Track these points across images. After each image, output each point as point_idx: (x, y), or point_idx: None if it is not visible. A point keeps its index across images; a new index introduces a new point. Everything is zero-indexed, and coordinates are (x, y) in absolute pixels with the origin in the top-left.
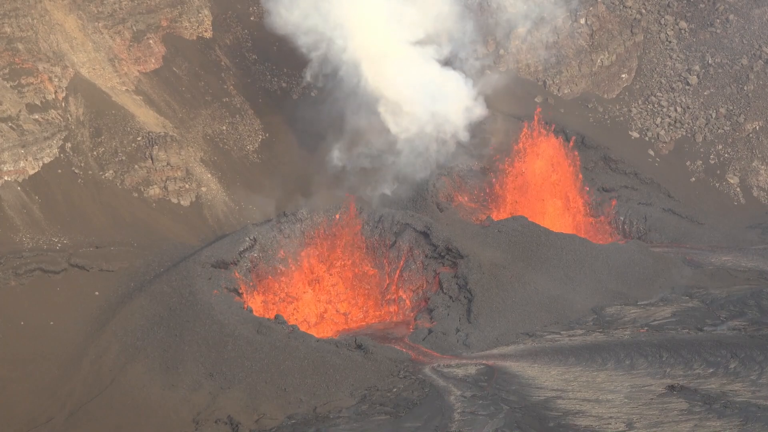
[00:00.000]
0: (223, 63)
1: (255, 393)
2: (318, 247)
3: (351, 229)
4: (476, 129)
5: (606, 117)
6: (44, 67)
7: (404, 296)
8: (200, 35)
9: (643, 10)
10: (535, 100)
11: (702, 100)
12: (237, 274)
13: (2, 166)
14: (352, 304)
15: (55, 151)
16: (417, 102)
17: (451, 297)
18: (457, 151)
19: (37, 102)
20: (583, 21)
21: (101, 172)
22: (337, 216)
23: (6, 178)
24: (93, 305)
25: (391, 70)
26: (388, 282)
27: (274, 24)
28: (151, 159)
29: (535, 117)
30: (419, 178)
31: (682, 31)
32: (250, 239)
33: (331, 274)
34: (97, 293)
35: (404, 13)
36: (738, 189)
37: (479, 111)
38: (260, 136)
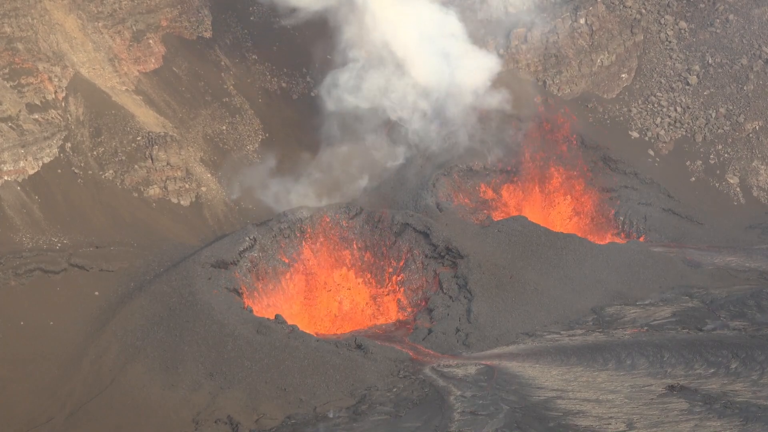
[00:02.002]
0: (223, 63)
1: (255, 393)
2: (318, 247)
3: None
4: (479, 126)
5: (606, 117)
6: (44, 67)
7: (404, 296)
8: (200, 35)
9: (643, 10)
10: (535, 100)
11: (702, 100)
12: (237, 274)
13: (2, 166)
14: (352, 303)
15: (55, 151)
16: (432, 72)
17: (451, 297)
18: (460, 144)
19: (37, 102)
20: (583, 21)
21: (101, 172)
22: (344, 222)
23: (6, 178)
24: (93, 305)
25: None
26: (388, 282)
27: None
28: (151, 159)
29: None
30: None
31: (682, 31)
32: (250, 239)
33: (331, 274)
34: (97, 293)
35: None
36: (738, 189)
37: (494, 100)
38: (260, 136)
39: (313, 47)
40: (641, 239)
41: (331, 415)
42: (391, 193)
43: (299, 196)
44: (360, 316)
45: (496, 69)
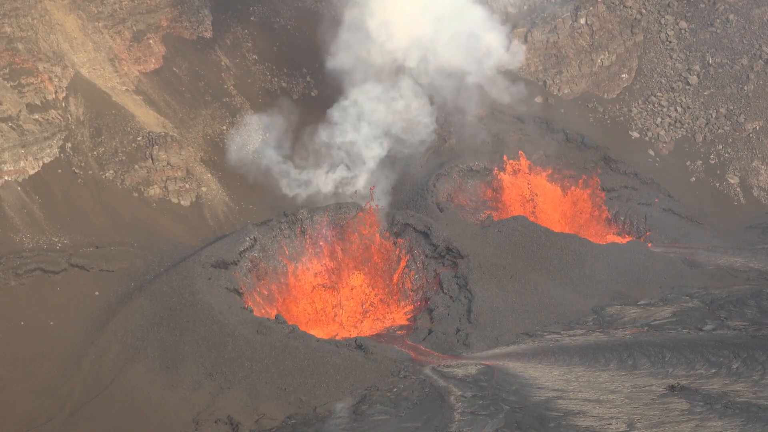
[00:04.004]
0: (223, 63)
1: (255, 393)
2: (318, 247)
3: (362, 227)
4: (480, 125)
5: (606, 117)
6: (44, 67)
7: (404, 297)
8: (200, 35)
9: (643, 10)
10: (535, 100)
11: (702, 100)
12: (237, 274)
13: (2, 166)
14: (352, 303)
15: (55, 151)
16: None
17: (451, 297)
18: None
19: (37, 102)
20: (583, 21)
21: (101, 172)
22: (344, 222)
23: (6, 178)
24: (93, 305)
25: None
26: (388, 282)
27: None
28: (151, 159)
29: None
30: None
31: (682, 31)
32: (250, 239)
33: (331, 274)
34: (97, 293)
35: None
36: (738, 189)
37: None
38: (260, 136)
39: (313, 45)
40: (641, 239)
41: (337, 411)
42: (392, 194)
43: (300, 194)
44: (360, 316)
45: (509, 59)
